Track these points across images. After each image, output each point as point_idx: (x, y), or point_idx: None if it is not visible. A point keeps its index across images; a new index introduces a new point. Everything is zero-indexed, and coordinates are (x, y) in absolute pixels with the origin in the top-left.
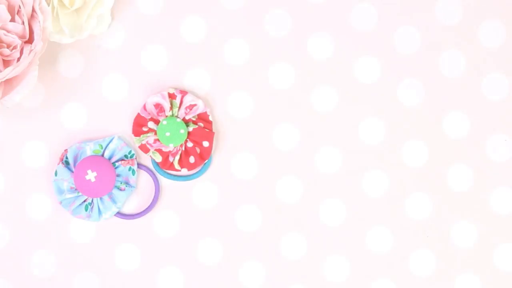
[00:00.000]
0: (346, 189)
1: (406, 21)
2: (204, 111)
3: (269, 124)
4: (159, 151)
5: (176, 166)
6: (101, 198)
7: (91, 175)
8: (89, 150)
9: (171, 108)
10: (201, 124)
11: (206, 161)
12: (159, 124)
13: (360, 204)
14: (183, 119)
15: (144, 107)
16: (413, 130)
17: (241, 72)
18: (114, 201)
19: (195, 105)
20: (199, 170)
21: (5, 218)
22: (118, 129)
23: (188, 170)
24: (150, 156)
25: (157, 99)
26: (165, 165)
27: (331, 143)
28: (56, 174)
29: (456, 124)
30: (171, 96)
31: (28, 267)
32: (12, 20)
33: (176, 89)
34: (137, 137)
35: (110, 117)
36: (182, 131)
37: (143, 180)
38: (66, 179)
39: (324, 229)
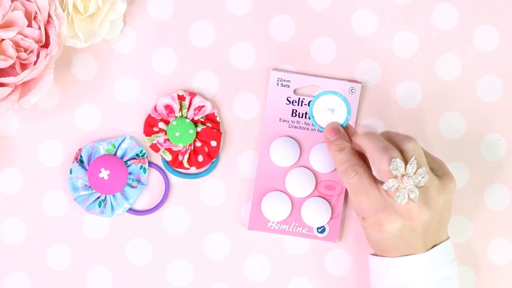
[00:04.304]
0: None
1: (405, 26)
2: (212, 112)
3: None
4: (169, 150)
5: (185, 164)
6: (114, 195)
7: (104, 173)
8: (102, 149)
9: (181, 109)
10: (209, 125)
11: (214, 160)
12: (169, 125)
13: None
14: (192, 120)
15: (155, 108)
16: (411, 130)
17: (247, 74)
18: (126, 197)
19: (203, 106)
20: (207, 169)
21: (22, 214)
22: (130, 129)
23: (197, 168)
24: (161, 155)
25: (167, 100)
26: (174, 163)
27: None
28: (71, 172)
29: (452, 124)
30: (181, 98)
31: (44, 260)
32: (29, 25)
33: (185, 91)
34: (148, 137)
35: (122, 118)
36: (191, 131)
37: (154, 178)
38: (81, 177)
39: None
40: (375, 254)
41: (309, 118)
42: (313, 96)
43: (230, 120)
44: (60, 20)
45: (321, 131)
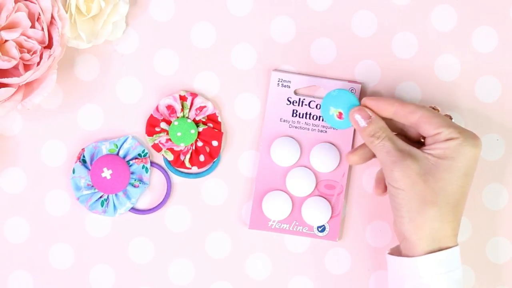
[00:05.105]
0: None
1: (404, 27)
2: (213, 112)
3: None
4: (171, 150)
5: (187, 164)
6: (116, 195)
7: (106, 173)
8: (104, 149)
9: (182, 109)
10: (211, 125)
11: (215, 159)
12: (171, 125)
13: None
14: (194, 120)
15: (157, 109)
16: None
17: (248, 75)
18: (128, 197)
19: (204, 106)
20: (209, 168)
21: (26, 214)
22: (132, 130)
23: (198, 168)
24: (163, 155)
25: (169, 101)
26: (176, 163)
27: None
28: (73, 172)
29: None
30: (182, 98)
31: (47, 259)
32: (33, 26)
33: (187, 91)
34: (150, 137)
35: (124, 118)
36: (192, 131)
37: (156, 178)
38: (83, 177)
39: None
40: (392, 254)
41: (309, 118)
42: (321, 98)
43: (231, 120)
44: (63, 21)
45: (335, 128)
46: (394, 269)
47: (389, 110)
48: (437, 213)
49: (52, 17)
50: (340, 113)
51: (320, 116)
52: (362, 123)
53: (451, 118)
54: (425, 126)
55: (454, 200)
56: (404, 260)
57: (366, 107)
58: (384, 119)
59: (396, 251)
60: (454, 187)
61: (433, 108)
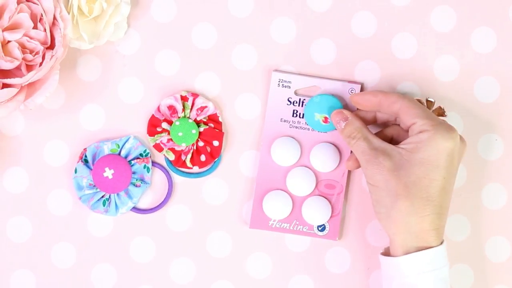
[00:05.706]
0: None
1: (403, 28)
2: (214, 113)
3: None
4: (172, 150)
5: (188, 164)
6: (118, 194)
7: (108, 173)
8: (106, 149)
9: (184, 109)
10: (212, 125)
11: (216, 159)
12: (172, 125)
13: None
14: (195, 120)
15: (158, 109)
16: None
17: (249, 75)
18: (130, 196)
19: (206, 107)
20: (210, 168)
21: (28, 213)
22: (133, 130)
23: (199, 168)
24: (164, 154)
25: (170, 101)
26: (177, 163)
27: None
28: (76, 172)
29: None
30: (184, 99)
31: (49, 258)
32: (35, 27)
33: (188, 92)
34: (152, 137)
35: (126, 118)
36: (193, 131)
37: (157, 177)
38: (85, 176)
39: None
40: (385, 254)
41: None
42: (311, 97)
43: (232, 120)
44: (65, 22)
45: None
46: (384, 269)
47: (373, 101)
48: (409, 207)
49: (55, 18)
50: (326, 118)
51: None
52: (341, 124)
53: (443, 112)
54: (403, 116)
55: (428, 194)
56: (388, 259)
57: (355, 101)
58: (373, 121)
59: (388, 251)
60: (427, 181)
61: (427, 100)
